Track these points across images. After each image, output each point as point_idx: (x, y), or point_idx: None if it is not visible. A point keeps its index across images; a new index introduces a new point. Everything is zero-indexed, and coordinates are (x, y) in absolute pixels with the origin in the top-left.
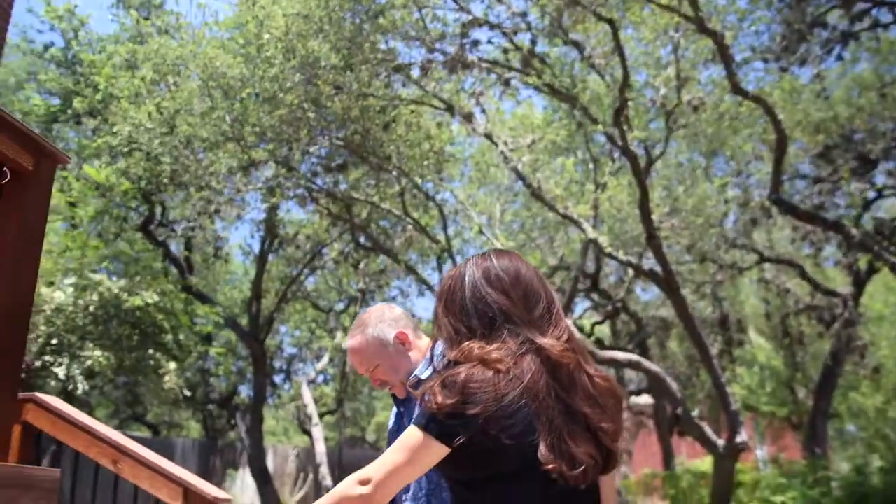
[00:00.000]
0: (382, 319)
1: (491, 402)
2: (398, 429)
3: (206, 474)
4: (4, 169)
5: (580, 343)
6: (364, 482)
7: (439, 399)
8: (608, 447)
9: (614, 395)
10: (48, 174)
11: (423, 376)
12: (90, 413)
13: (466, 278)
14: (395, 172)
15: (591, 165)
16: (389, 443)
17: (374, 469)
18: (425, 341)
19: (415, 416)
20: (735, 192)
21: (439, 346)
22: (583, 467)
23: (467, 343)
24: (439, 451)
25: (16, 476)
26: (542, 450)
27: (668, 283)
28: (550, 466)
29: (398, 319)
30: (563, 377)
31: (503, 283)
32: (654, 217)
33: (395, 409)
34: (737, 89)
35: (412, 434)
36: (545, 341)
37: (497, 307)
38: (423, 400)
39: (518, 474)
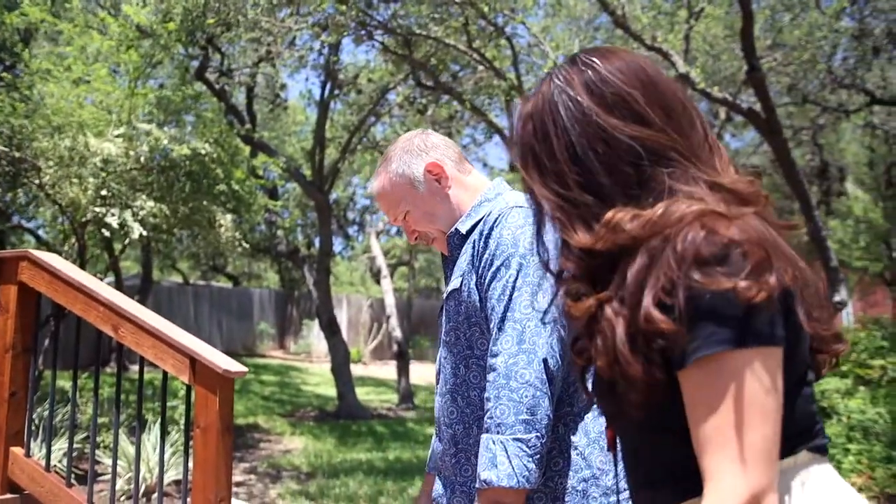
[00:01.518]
0: (409, 149)
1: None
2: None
3: (282, 323)
4: None
5: None
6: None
7: (746, 283)
8: None
9: None
10: None
11: (466, 229)
12: (172, 265)
13: (561, 110)
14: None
15: None
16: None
17: (751, 475)
18: (476, 177)
19: (707, 336)
20: (849, 24)
21: (503, 191)
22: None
23: (616, 213)
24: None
25: None
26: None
27: (768, 123)
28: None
29: (431, 147)
30: None
31: (632, 101)
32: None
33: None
34: None
35: (742, 368)
36: (730, 181)
37: (636, 142)
38: (696, 293)
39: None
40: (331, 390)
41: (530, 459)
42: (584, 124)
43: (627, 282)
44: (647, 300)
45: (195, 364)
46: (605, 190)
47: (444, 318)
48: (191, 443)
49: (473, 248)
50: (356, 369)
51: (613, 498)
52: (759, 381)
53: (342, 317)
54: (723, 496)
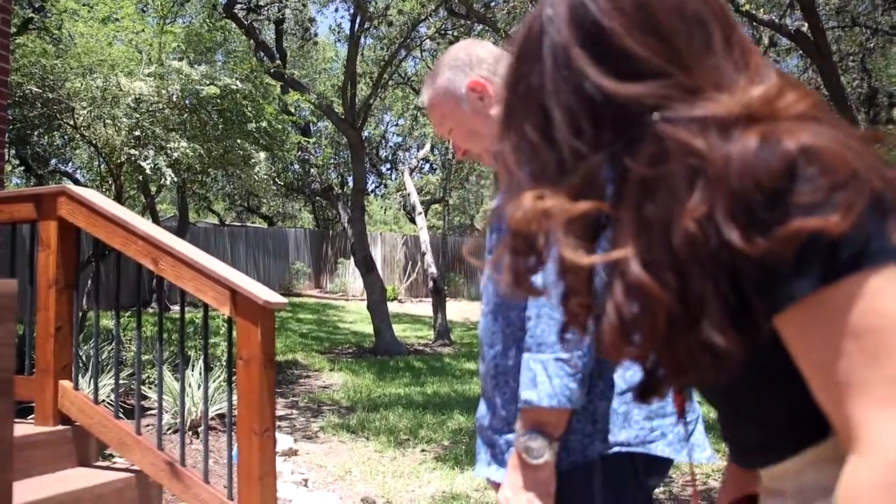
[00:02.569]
0: (455, 63)
1: None
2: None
3: (318, 262)
4: None
5: None
6: None
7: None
8: None
9: None
10: None
11: None
12: (208, 206)
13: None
14: None
15: None
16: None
17: None
18: None
19: (800, 273)
20: None
21: None
22: None
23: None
24: None
25: None
26: None
27: (817, 46)
28: None
29: (476, 63)
30: None
31: (652, 15)
32: None
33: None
34: None
35: (863, 294)
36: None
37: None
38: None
39: None
40: (367, 327)
41: (572, 379)
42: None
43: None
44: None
45: (235, 296)
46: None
47: (491, 236)
48: (233, 377)
49: None
50: (392, 306)
51: (658, 422)
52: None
53: (377, 255)
54: (886, 446)
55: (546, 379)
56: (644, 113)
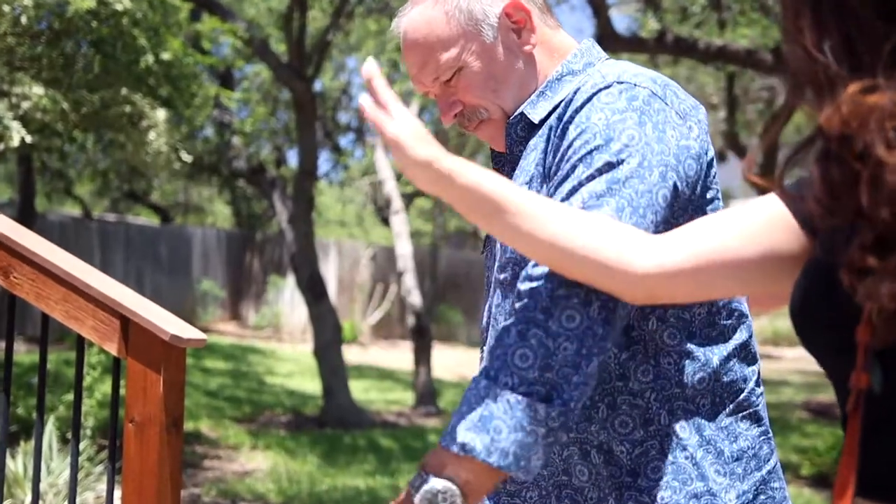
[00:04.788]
0: None
1: None
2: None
3: (236, 281)
4: None
5: None
6: None
7: None
8: None
9: None
10: None
11: (540, 117)
12: (67, 189)
13: None
14: None
15: None
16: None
17: None
18: (563, 38)
19: None
20: None
21: (594, 59)
22: None
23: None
24: None
25: None
26: None
27: None
28: None
29: None
30: None
31: None
32: None
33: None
34: None
35: None
36: None
37: None
38: None
39: None
40: (312, 384)
41: (544, 439)
42: None
43: None
44: None
45: (128, 327)
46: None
47: (496, 247)
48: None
49: (548, 143)
50: (351, 353)
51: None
52: None
53: (329, 272)
54: None
55: (507, 427)
56: None
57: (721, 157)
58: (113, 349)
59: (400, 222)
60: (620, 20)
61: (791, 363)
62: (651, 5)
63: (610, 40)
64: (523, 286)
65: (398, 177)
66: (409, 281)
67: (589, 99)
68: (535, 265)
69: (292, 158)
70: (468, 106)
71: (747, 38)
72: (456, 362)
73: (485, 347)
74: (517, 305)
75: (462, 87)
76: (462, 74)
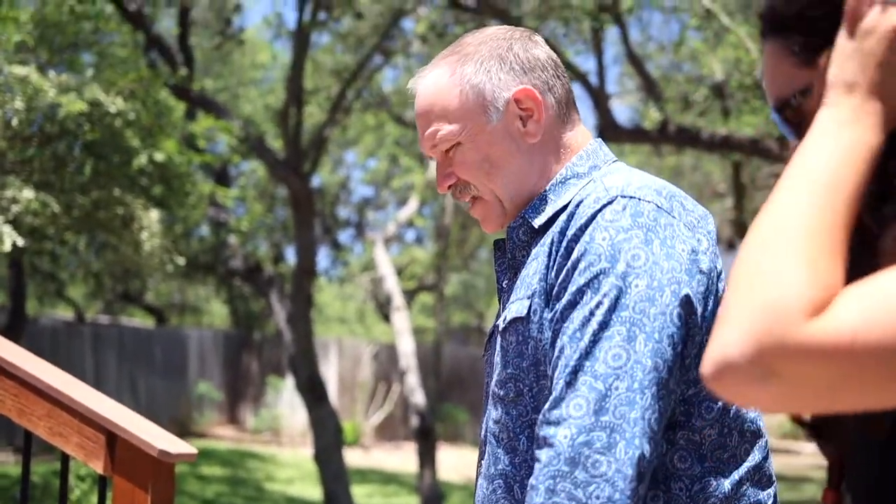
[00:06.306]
0: (502, 55)
1: None
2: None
3: (234, 383)
4: None
5: None
6: None
7: None
8: None
9: None
10: None
11: (540, 223)
12: (59, 292)
13: None
14: None
15: None
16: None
17: None
18: (580, 135)
19: None
20: None
21: (599, 162)
22: None
23: None
24: None
25: None
26: None
27: None
28: None
29: (535, 66)
30: None
31: None
32: None
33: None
34: None
35: None
36: None
37: None
38: None
39: None
40: (313, 490)
41: None
42: None
43: None
44: None
45: (115, 443)
46: None
47: (496, 358)
48: None
49: (549, 257)
50: (353, 456)
51: None
52: None
53: (330, 373)
54: None
55: None
56: None
57: (729, 245)
58: (99, 467)
59: (401, 319)
60: (622, 111)
61: (811, 458)
62: (652, 95)
63: (612, 131)
64: (543, 432)
65: (399, 272)
66: (413, 380)
67: (593, 216)
68: (552, 407)
69: (290, 254)
70: (461, 181)
71: (752, 127)
72: (462, 463)
73: (482, 461)
74: (541, 454)
75: (457, 162)
76: (459, 150)
